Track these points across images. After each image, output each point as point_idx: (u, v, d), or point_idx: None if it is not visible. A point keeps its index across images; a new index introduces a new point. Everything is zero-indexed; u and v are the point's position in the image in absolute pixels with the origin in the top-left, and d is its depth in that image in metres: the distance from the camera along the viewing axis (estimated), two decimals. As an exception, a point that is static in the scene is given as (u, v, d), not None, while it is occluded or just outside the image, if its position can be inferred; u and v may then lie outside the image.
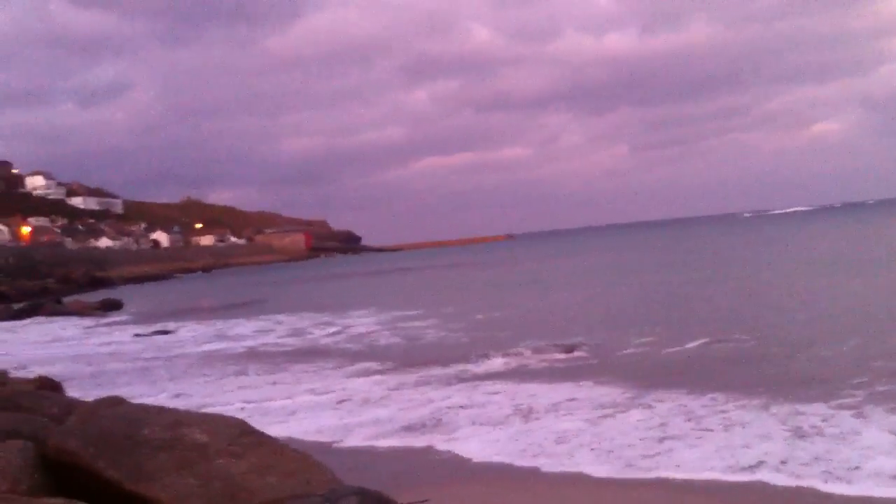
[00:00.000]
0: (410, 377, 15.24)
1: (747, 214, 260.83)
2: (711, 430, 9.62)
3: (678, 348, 16.13)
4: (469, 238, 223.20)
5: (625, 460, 8.78)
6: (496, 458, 9.31)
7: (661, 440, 9.41)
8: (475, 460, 9.36)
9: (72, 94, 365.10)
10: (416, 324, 25.22)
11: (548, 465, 8.87)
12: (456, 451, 9.77)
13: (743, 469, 8.14)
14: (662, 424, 10.08)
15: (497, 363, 16.05)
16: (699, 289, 28.52)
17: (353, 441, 10.69)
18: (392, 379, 15.27)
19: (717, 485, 7.84)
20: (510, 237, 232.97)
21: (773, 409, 10.31)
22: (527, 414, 11.34)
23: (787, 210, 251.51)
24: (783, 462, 8.18)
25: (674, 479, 8.09)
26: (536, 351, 16.95)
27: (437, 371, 15.69)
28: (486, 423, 11.00)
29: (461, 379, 14.65)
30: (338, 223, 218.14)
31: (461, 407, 12.13)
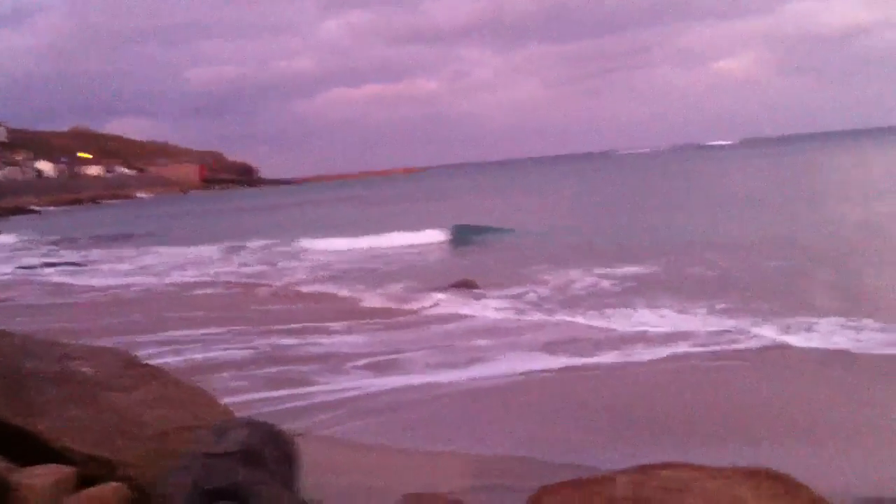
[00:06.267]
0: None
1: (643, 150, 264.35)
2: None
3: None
4: (375, 171, 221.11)
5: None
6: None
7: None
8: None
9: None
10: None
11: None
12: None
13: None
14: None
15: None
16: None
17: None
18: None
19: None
20: (418, 170, 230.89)
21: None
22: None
23: (664, 146, 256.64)
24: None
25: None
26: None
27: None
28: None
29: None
30: (237, 155, 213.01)
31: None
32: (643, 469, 4.50)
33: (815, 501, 4.12)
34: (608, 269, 17.91)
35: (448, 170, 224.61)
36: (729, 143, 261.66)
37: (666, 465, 4.51)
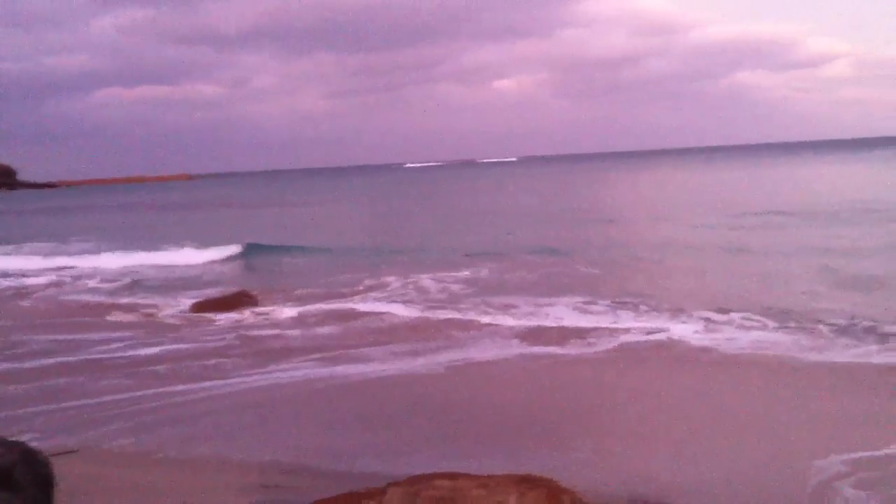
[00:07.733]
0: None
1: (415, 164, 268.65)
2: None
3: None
4: (152, 176, 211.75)
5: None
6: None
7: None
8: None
9: None
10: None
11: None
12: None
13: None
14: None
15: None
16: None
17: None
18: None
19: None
20: (197, 177, 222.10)
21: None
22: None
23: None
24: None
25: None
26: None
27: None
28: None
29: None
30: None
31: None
32: (415, 479, 4.57)
33: (575, 505, 4.34)
34: (442, 274, 18.06)
35: (229, 178, 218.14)
36: (510, 159, 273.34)
37: (438, 475, 4.61)
